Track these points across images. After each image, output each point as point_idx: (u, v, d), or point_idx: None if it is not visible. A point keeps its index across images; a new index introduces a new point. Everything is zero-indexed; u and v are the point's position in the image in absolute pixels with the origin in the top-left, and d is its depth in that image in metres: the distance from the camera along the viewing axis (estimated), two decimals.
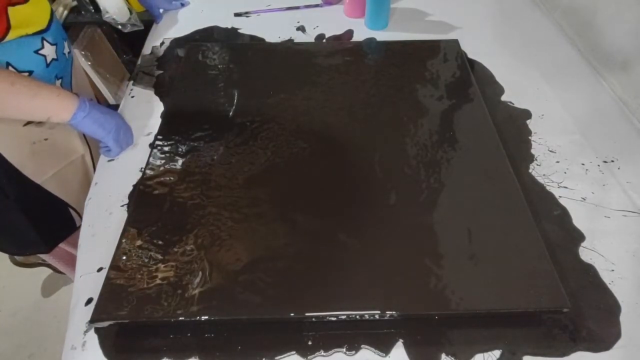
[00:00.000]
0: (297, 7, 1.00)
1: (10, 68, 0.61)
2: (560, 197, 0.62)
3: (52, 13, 0.67)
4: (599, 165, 0.66)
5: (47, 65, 0.66)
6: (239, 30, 0.94)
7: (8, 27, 0.58)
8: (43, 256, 0.93)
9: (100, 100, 0.91)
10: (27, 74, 0.63)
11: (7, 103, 0.57)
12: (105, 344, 0.49)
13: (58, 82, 0.69)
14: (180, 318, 0.48)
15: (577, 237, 0.57)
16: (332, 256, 0.53)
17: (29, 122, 0.67)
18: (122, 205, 0.62)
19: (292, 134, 0.68)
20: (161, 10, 1.00)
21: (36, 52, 0.63)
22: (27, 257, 1.26)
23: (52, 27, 0.66)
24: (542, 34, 0.92)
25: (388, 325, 0.50)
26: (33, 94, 0.58)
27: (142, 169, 0.65)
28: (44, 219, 0.77)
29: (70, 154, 0.76)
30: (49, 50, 0.65)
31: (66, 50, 0.71)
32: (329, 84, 0.77)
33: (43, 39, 0.64)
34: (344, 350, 0.48)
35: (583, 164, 0.66)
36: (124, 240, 0.55)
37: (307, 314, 0.48)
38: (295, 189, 0.61)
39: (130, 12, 1.11)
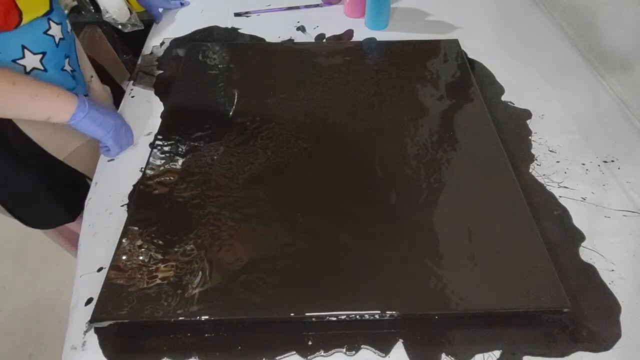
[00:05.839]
0: (297, 7, 1.00)
1: (26, 51, 0.62)
2: (560, 197, 0.62)
3: None
4: (599, 165, 0.66)
5: (57, 45, 0.66)
6: (239, 30, 0.94)
7: (20, 14, 0.59)
8: (50, 236, 0.94)
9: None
10: (41, 55, 0.64)
11: (8, 102, 0.58)
12: (105, 344, 0.49)
13: (67, 61, 0.70)
14: (180, 318, 0.48)
15: (577, 237, 0.57)
16: (332, 256, 0.53)
17: None
18: (122, 205, 0.62)
19: (292, 134, 0.68)
20: (160, 10, 1.00)
21: (45, 33, 0.64)
22: None
23: (54, 6, 0.66)
24: (542, 34, 0.92)
25: (388, 325, 0.50)
26: (34, 93, 0.59)
27: (142, 169, 0.65)
28: (68, 191, 0.80)
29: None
30: (55, 30, 0.66)
31: (69, 28, 0.72)
32: (329, 84, 0.77)
33: (49, 19, 0.65)
34: (344, 350, 0.48)
35: (583, 164, 0.66)
36: (124, 240, 0.55)
37: (307, 314, 0.48)
38: (295, 189, 0.61)
39: (130, 12, 1.11)
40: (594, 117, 0.73)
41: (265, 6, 1.01)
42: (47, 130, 0.70)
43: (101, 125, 0.65)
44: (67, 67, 0.70)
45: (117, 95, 0.86)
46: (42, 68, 0.65)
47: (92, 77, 0.82)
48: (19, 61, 0.62)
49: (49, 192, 0.77)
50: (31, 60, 0.63)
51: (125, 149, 0.69)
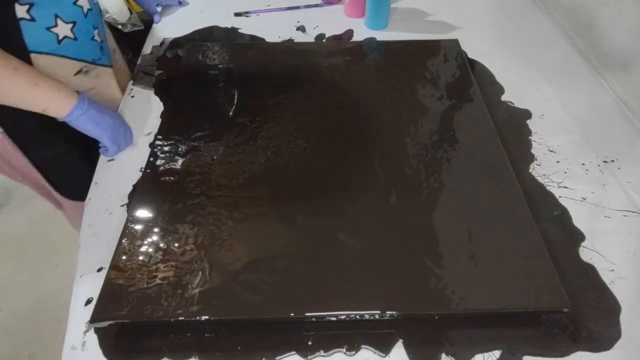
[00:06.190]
0: (297, 7, 1.00)
1: (58, 20, 0.64)
2: (560, 197, 0.62)
3: None
4: (599, 165, 0.66)
5: (85, 15, 0.68)
6: (239, 30, 0.94)
7: None
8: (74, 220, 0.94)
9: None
10: (71, 24, 0.66)
11: (8, 88, 0.58)
12: (105, 344, 0.49)
13: (95, 32, 0.72)
14: (180, 318, 0.48)
15: (577, 237, 0.57)
16: (332, 256, 0.53)
17: (78, 72, 0.71)
18: (122, 205, 0.62)
19: (292, 134, 0.68)
20: (159, 9, 1.00)
21: (74, 3, 0.66)
22: None
23: None
24: (542, 33, 0.92)
25: (388, 325, 0.50)
26: (34, 83, 0.59)
27: (142, 169, 0.65)
28: (97, 162, 0.81)
29: (112, 102, 0.79)
30: (83, 1, 0.68)
31: (95, 0, 0.74)
32: (329, 84, 0.77)
33: None
34: (344, 350, 0.48)
35: (583, 164, 0.66)
36: (124, 240, 0.55)
37: (307, 314, 0.48)
38: (295, 189, 0.61)
39: (130, 12, 1.11)
40: (594, 117, 0.73)
41: (265, 6, 1.01)
42: None
43: (98, 124, 0.65)
44: (97, 38, 0.73)
45: None
46: (72, 37, 0.67)
47: (114, 50, 0.84)
48: (52, 29, 0.64)
49: (82, 160, 0.78)
50: (63, 29, 0.65)
51: (124, 149, 0.69)
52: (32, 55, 0.64)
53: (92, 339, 0.50)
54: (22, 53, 0.62)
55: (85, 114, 0.63)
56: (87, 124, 0.64)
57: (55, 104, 0.62)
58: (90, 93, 0.74)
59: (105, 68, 0.76)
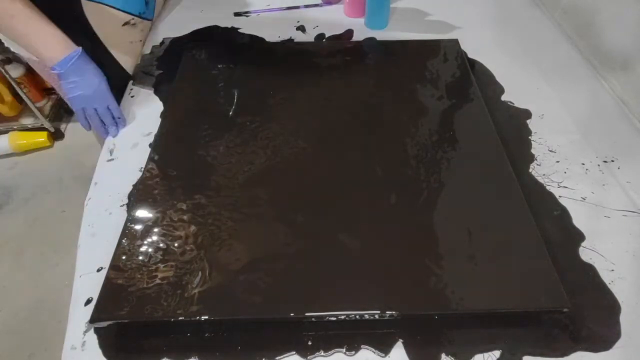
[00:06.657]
0: (297, 7, 1.00)
1: None
2: (560, 197, 0.62)
3: None
4: (599, 165, 0.66)
5: None
6: (239, 30, 0.94)
7: None
8: None
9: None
10: None
11: (16, 22, 0.62)
12: (105, 344, 0.49)
13: None
14: (180, 318, 0.48)
15: (577, 237, 0.57)
16: (332, 256, 0.53)
17: (126, 23, 0.78)
18: (122, 205, 0.62)
19: (292, 134, 0.68)
20: None
21: None
22: None
23: None
24: (542, 34, 0.92)
25: (388, 325, 0.50)
26: (40, 18, 0.63)
27: (142, 169, 0.65)
28: None
29: None
30: None
31: None
32: (329, 84, 0.77)
33: None
34: (344, 350, 0.48)
35: (583, 164, 0.66)
36: (123, 240, 0.55)
37: (307, 314, 0.48)
38: (295, 189, 0.61)
39: None
40: (594, 117, 0.73)
41: (265, 6, 1.01)
42: (124, 47, 0.80)
43: (83, 76, 0.67)
44: None
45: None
46: None
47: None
48: None
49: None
50: None
51: (111, 127, 0.71)
52: (83, 2, 0.70)
53: (92, 339, 0.50)
54: None
55: (74, 63, 0.65)
56: (72, 76, 0.66)
57: (48, 44, 0.64)
58: (136, 45, 0.84)
59: (150, 22, 0.83)
